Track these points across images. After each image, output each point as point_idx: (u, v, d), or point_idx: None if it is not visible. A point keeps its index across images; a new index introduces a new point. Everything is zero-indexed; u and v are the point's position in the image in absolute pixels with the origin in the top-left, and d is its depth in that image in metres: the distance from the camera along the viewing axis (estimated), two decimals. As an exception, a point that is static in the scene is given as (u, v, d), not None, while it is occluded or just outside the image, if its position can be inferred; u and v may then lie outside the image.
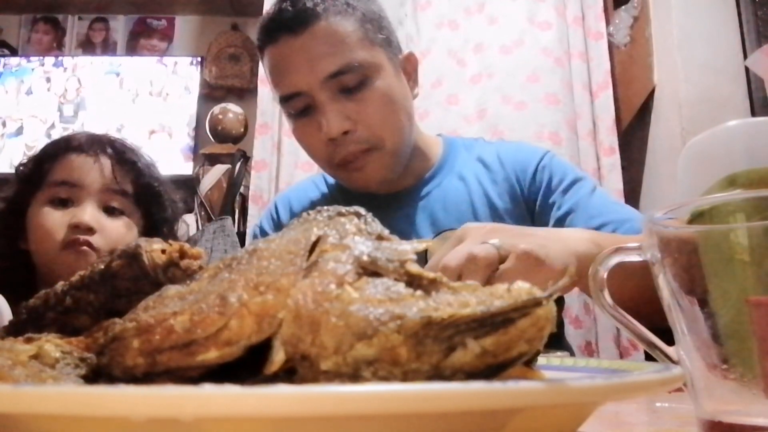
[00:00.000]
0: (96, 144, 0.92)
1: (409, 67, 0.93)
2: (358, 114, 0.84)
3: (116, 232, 0.90)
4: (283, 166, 1.92)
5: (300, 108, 0.86)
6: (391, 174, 0.90)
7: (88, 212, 0.88)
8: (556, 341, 0.92)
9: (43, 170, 0.91)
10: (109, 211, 0.91)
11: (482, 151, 0.98)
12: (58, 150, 0.92)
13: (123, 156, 0.93)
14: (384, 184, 0.90)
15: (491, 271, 0.59)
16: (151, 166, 0.98)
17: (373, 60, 0.85)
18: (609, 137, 1.80)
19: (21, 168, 0.95)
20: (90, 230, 0.87)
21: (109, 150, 0.92)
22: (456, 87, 1.88)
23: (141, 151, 0.98)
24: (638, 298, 0.53)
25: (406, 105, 0.90)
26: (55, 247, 0.87)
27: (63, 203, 0.89)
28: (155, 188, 0.95)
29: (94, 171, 0.90)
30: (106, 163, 0.91)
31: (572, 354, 1.01)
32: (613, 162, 1.78)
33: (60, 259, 0.86)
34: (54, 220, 0.88)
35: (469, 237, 0.62)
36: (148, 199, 0.95)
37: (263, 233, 1.01)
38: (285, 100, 0.87)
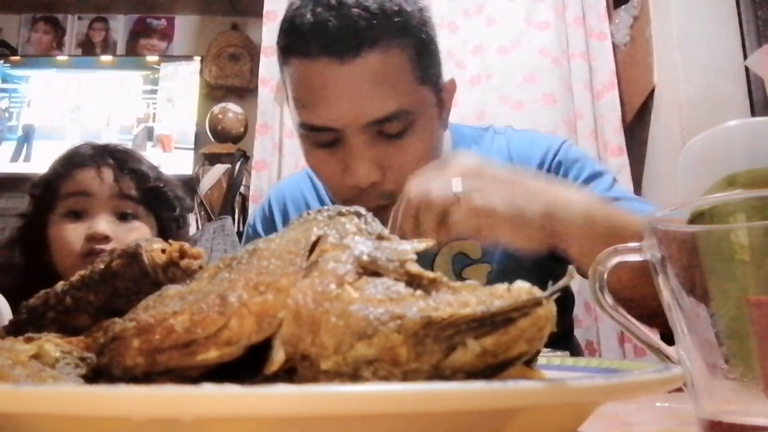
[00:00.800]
0: (97, 156, 0.96)
1: (446, 97, 0.81)
2: (392, 161, 0.73)
3: (131, 237, 0.94)
4: (285, 166, 1.92)
5: (326, 141, 0.74)
6: None
7: (103, 222, 0.92)
8: (565, 339, 0.89)
9: (54, 189, 0.96)
10: (123, 217, 0.95)
11: (491, 146, 0.90)
12: (64, 167, 0.97)
13: (124, 164, 0.96)
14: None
15: (441, 215, 0.59)
16: (153, 168, 1.01)
17: (421, 104, 0.74)
18: (616, 137, 1.80)
19: (34, 189, 0.99)
20: (106, 239, 0.91)
21: (110, 160, 0.96)
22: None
23: (142, 156, 1.02)
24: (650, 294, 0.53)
25: (440, 147, 0.79)
26: (75, 258, 0.91)
27: (78, 215, 0.93)
28: (161, 189, 0.99)
29: (101, 180, 0.94)
30: (108, 173, 0.95)
31: (581, 352, 1.00)
32: (621, 162, 1.78)
33: (79, 269, 0.88)
34: (71, 233, 0.92)
35: (448, 169, 0.61)
36: (156, 200, 0.99)
37: (255, 230, 1.00)
38: (310, 128, 0.74)
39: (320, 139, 0.74)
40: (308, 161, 0.79)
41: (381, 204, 0.73)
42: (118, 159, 0.97)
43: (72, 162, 0.96)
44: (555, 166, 0.84)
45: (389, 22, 0.70)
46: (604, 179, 0.82)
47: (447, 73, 0.85)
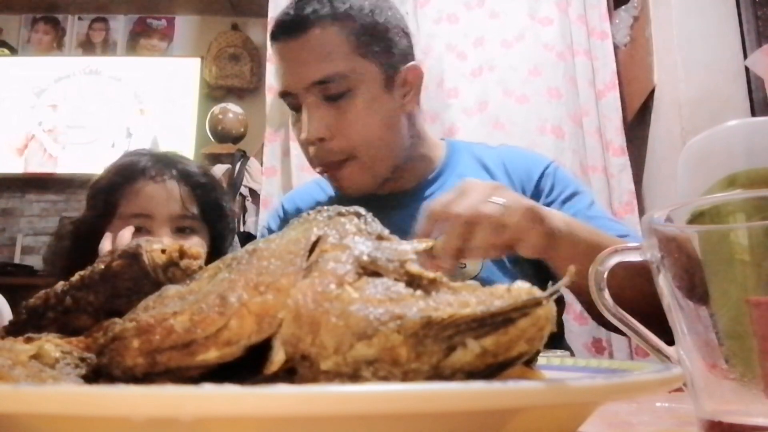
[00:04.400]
0: (163, 168, 0.96)
1: (410, 79, 0.93)
2: (337, 122, 0.86)
3: None
4: (292, 169, 1.92)
5: (292, 105, 0.91)
6: (367, 184, 0.91)
7: (165, 240, 0.91)
8: (557, 341, 0.92)
9: (114, 200, 0.94)
10: (181, 230, 0.95)
11: (485, 155, 0.99)
12: (126, 179, 0.95)
13: (189, 179, 0.96)
14: (362, 192, 0.91)
15: (498, 226, 0.62)
16: (211, 178, 1.02)
17: (359, 72, 0.87)
18: (618, 137, 1.80)
19: (91, 198, 0.97)
20: None
21: (174, 172, 0.96)
22: (456, 80, 1.88)
23: (199, 165, 1.03)
24: (639, 298, 0.54)
25: (389, 118, 0.90)
26: None
27: (137, 229, 0.92)
28: (220, 204, 1.00)
29: (163, 199, 0.94)
30: (173, 188, 0.95)
31: (572, 354, 1.02)
32: (623, 162, 1.78)
33: None
34: None
35: (472, 191, 0.64)
36: (214, 214, 0.99)
37: (270, 232, 1.02)
38: (282, 96, 0.92)
39: (290, 104, 0.91)
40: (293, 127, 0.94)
41: (332, 160, 0.88)
42: (181, 171, 0.96)
43: (134, 173, 0.95)
44: (545, 177, 0.94)
45: (333, 9, 0.87)
46: (584, 197, 0.92)
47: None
